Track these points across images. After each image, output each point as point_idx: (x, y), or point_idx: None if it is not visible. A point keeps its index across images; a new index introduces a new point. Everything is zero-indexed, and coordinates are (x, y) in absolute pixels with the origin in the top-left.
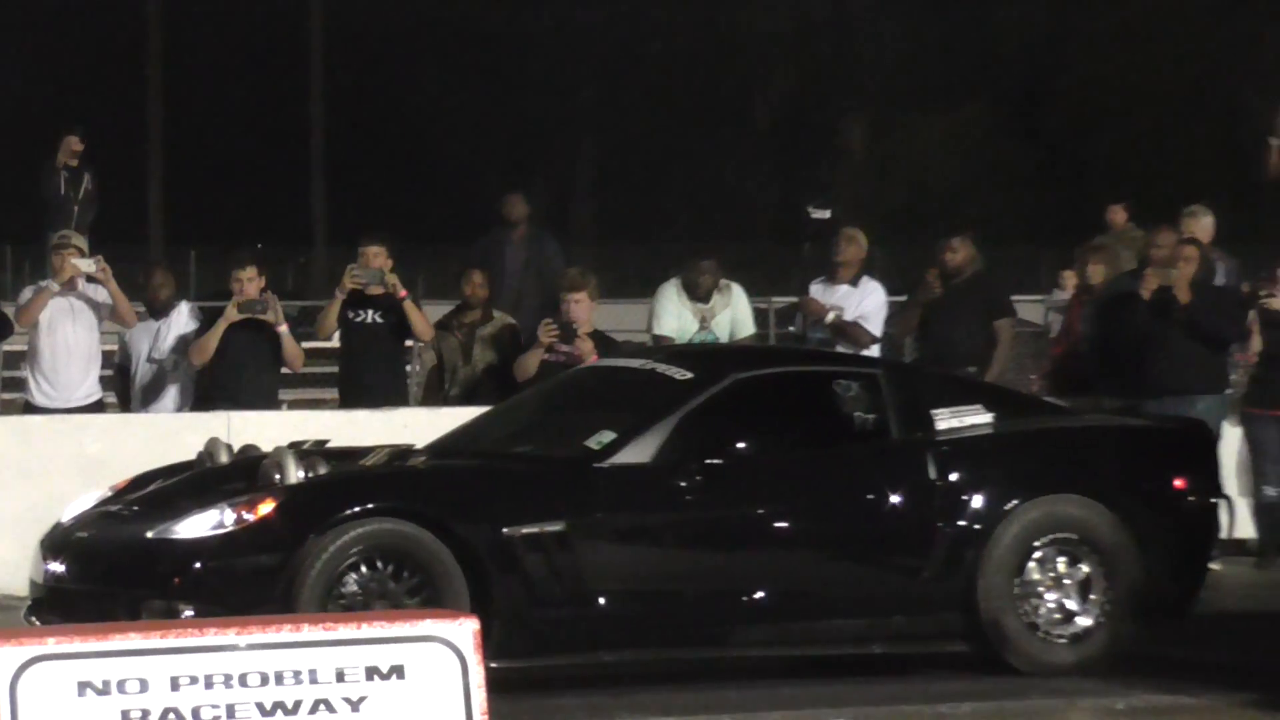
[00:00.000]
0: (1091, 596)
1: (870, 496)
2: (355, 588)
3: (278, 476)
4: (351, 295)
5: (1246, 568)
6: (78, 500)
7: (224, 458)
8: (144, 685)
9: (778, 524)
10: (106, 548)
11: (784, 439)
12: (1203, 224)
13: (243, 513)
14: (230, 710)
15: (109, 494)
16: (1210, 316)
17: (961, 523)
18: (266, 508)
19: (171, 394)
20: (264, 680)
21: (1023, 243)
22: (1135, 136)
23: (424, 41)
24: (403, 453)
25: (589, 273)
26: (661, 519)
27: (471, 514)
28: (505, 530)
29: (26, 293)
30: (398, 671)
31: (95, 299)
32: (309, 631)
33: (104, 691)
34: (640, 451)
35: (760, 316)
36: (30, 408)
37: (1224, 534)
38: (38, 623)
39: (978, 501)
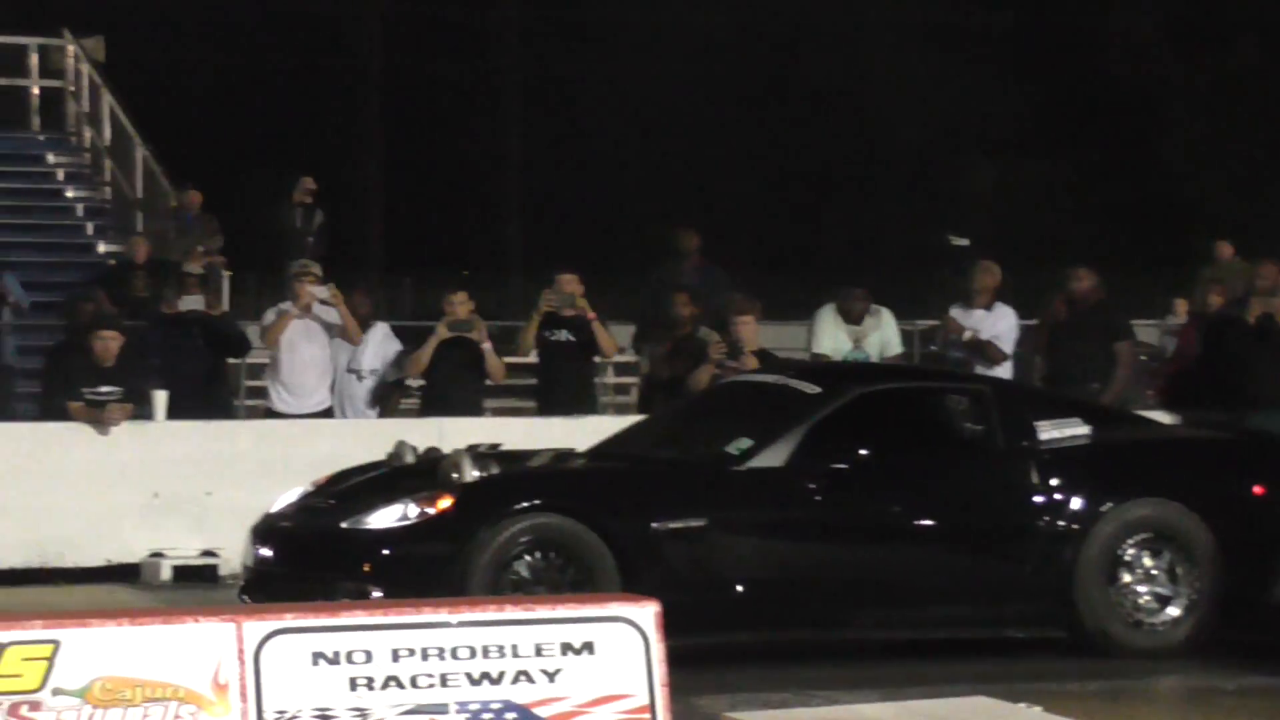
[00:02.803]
0: (1179, 586)
1: (978, 498)
2: (521, 574)
3: (455, 475)
4: (547, 316)
5: None
6: (285, 494)
7: (410, 458)
8: (369, 656)
9: (895, 521)
10: (306, 536)
11: (901, 446)
12: None
13: (424, 507)
14: (443, 679)
15: (311, 489)
16: None
17: (1060, 523)
18: (445, 503)
19: (363, 398)
20: (472, 653)
21: (1136, 273)
22: (1239, 178)
23: (609, 95)
24: (565, 455)
25: (753, 298)
26: (792, 516)
27: (623, 510)
28: (653, 525)
29: (270, 315)
30: (588, 647)
31: (327, 320)
32: (511, 611)
33: (334, 661)
34: (774, 456)
35: (905, 337)
36: (271, 413)
37: None
38: (248, 601)
39: (1075, 504)
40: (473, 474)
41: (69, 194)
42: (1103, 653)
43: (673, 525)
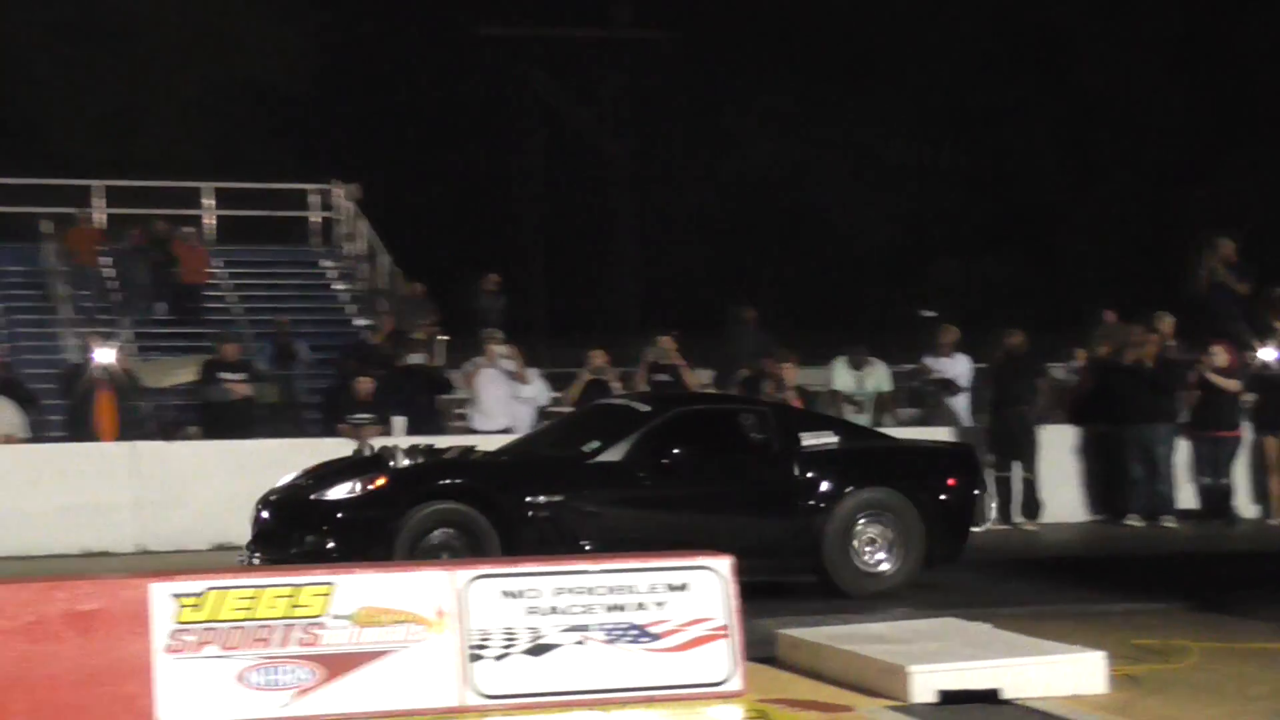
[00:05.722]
0: (894, 547)
1: (758, 484)
2: (435, 541)
3: (392, 463)
4: (652, 365)
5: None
6: (285, 476)
7: (367, 452)
8: (538, 593)
9: (701, 500)
10: (288, 505)
11: (706, 448)
12: (1166, 322)
13: (366, 485)
14: (588, 608)
15: (300, 473)
16: (1165, 377)
17: (813, 501)
18: (380, 482)
19: (525, 417)
20: (608, 590)
21: (1051, 331)
22: (1122, 264)
23: (696, 201)
24: (469, 450)
25: (792, 350)
26: (627, 495)
27: (503, 489)
28: (526, 499)
29: (468, 365)
30: (684, 586)
31: (506, 368)
32: (634, 562)
33: (516, 596)
34: (615, 454)
35: (895, 377)
36: (469, 431)
37: (989, 515)
38: (256, 552)
39: (824, 489)
40: (404, 462)
41: (336, 287)
42: (839, 594)
43: (540, 500)
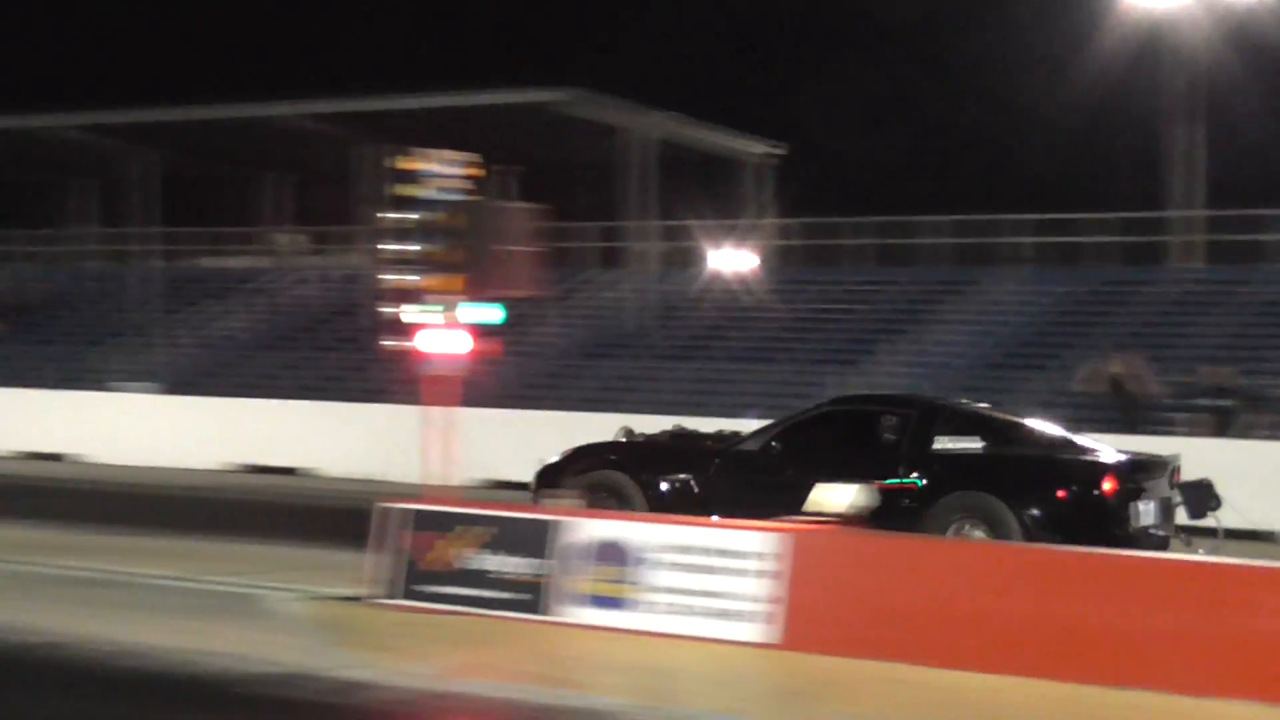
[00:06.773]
0: None
1: (862, 479)
2: (591, 501)
3: (617, 436)
4: None
5: None
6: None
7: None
8: None
9: (803, 490)
10: (539, 470)
11: (833, 444)
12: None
13: (563, 455)
14: None
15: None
16: None
17: (908, 501)
18: (570, 452)
19: None
20: None
21: None
22: None
23: None
24: (672, 433)
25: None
26: (740, 479)
27: (643, 466)
28: (660, 475)
29: None
30: None
31: None
32: None
33: None
34: (753, 444)
35: None
36: None
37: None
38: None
39: (923, 490)
40: (621, 439)
41: None
42: None
43: (669, 476)
